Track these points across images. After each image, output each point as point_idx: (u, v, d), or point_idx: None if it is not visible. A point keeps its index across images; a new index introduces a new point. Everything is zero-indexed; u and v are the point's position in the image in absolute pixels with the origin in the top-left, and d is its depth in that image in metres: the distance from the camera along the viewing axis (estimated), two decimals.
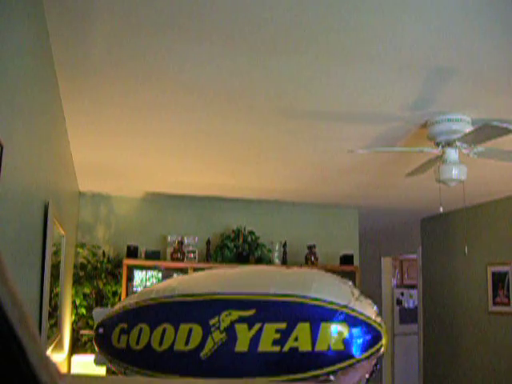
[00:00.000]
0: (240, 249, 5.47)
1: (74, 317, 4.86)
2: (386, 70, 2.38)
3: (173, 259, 5.21)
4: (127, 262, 4.99)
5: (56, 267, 3.02)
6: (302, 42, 2.12)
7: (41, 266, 2.37)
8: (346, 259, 5.76)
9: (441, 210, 3.59)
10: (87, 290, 4.92)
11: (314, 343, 2.08)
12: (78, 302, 4.86)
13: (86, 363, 4.49)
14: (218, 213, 5.76)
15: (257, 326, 2.09)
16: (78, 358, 4.55)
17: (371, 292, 7.45)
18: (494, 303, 5.25)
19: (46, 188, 2.46)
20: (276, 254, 5.55)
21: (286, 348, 2.06)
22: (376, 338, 2.16)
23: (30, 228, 2.06)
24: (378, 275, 7.73)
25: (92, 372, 4.40)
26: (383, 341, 2.18)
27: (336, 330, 2.12)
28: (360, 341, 2.13)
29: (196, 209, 5.70)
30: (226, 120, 3.13)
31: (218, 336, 2.16)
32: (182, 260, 5.22)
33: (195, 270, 5.15)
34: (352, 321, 2.14)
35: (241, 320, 2.13)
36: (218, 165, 4.27)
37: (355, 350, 2.13)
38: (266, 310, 2.16)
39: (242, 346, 2.11)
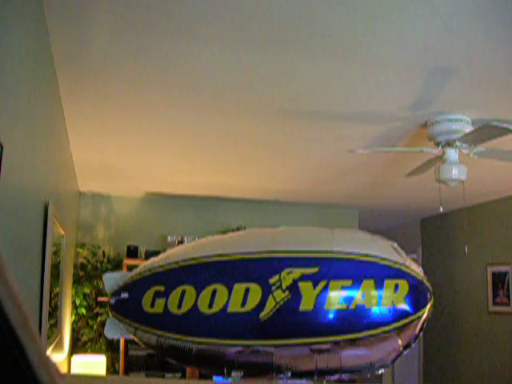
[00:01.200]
0: None
1: (73, 317, 4.86)
2: (386, 70, 2.38)
3: None
4: (127, 262, 4.99)
5: (56, 267, 3.02)
6: (302, 41, 2.12)
7: (41, 266, 2.37)
8: None
9: (441, 210, 3.59)
10: (87, 290, 4.92)
11: (379, 300, 2.09)
12: (78, 302, 4.86)
13: (86, 363, 4.50)
14: (218, 213, 5.76)
15: (322, 284, 2.04)
16: (78, 358, 4.55)
17: None
18: (494, 303, 5.25)
19: (46, 188, 2.46)
20: None
21: (352, 305, 2.05)
22: (429, 296, 2.23)
23: (30, 228, 2.06)
24: None
25: (92, 372, 4.40)
26: (432, 301, 2.24)
27: (398, 287, 2.13)
28: (418, 298, 2.18)
29: (196, 209, 5.70)
30: (227, 120, 3.13)
31: (279, 295, 2.04)
32: None
33: None
34: (410, 279, 2.18)
35: (304, 278, 2.04)
36: (218, 165, 4.27)
37: (414, 308, 2.16)
38: (329, 267, 2.10)
39: (306, 304, 2.03)
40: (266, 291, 2.06)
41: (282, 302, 2.04)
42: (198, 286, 2.14)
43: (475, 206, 5.58)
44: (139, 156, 4.01)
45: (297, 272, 2.06)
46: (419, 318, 2.16)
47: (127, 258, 5.05)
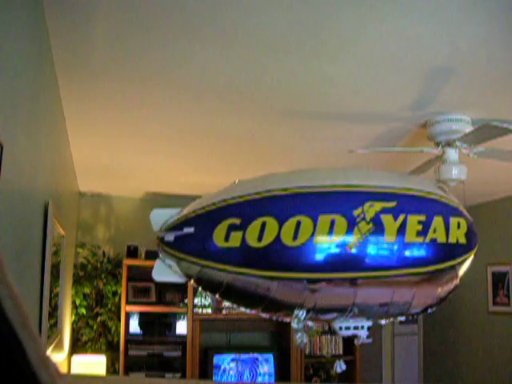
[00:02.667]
0: None
1: (73, 317, 4.86)
2: (386, 70, 2.38)
3: None
4: (127, 262, 4.99)
5: (56, 267, 3.02)
6: (302, 42, 2.12)
7: (41, 265, 2.37)
8: None
9: None
10: (87, 290, 4.92)
11: (447, 235, 2.19)
12: (78, 302, 4.86)
13: (86, 363, 4.50)
14: None
15: (401, 217, 2.09)
16: (78, 358, 4.55)
17: None
18: (494, 303, 5.25)
19: (46, 188, 2.46)
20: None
21: (427, 239, 2.13)
22: (478, 238, 2.40)
23: (30, 228, 2.06)
24: None
25: (92, 372, 4.40)
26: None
27: (460, 224, 2.25)
28: (472, 237, 2.33)
29: None
30: (227, 120, 3.14)
31: (364, 227, 2.04)
32: None
33: None
34: (467, 218, 2.33)
35: (385, 211, 2.08)
36: (218, 165, 4.27)
37: (470, 246, 2.30)
38: (405, 202, 2.16)
39: (389, 236, 2.07)
40: (351, 223, 2.05)
41: (367, 234, 2.06)
42: (279, 217, 2.03)
43: (475, 206, 5.58)
44: (139, 156, 4.02)
45: (377, 205, 2.09)
46: (473, 255, 2.33)
47: (127, 258, 5.04)
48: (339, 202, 2.12)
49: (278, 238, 2.02)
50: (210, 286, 2.23)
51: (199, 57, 2.28)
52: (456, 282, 2.35)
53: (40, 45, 1.98)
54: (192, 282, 2.26)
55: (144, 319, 5.08)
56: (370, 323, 2.27)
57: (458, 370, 5.78)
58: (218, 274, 2.11)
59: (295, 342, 2.22)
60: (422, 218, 2.13)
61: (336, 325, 2.26)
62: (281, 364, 5.31)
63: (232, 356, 5.22)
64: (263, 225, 2.04)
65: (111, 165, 4.29)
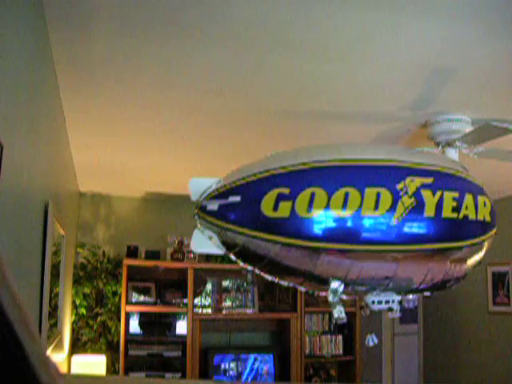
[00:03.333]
0: None
1: (73, 317, 4.86)
2: (386, 70, 2.38)
3: (173, 259, 5.21)
4: (127, 262, 4.99)
5: (56, 267, 3.02)
6: (301, 40, 2.12)
7: (41, 265, 2.37)
8: None
9: None
10: (87, 290, 4.92)
11: (476, 213, 2.26)
12: (78, 302, 4.86)
13: (86, 363, 4.50)
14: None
15: (439, 193, 2.15)
16: (78, 358, 4.55)
17: None
18: (494, 303, 5.25)
19: (46, 188, 2.46)
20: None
21: (461, 215, 2.20)
22: (497, 218, 2.52)
23: (30, 228, 2.06)
24: None
25: (92, 372, 4.41)
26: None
27: (486, 203, 2.35)
28: (495, 216, 2.45)
29: None
30: (227, 120, 3.14)
31: (407, 201, 2.08)
32: (182, 260, 5.22)
33: (195, 269, 5.16)
34: (490, 198, 2.43)
35: (424, 186, 2.13)
36: (218, 165, 4.27)
37: (493, 224, 2.42)
38: (442, 179, 2.22)
39: (429, 211, 2.12)
40: (396, 196, 2.08)
41: (410, 208, 2.09)
42: (328, 189, 2.03)
43: None
44: (139, 156, 4.02)
45: (417, 180, 2.13)
46: (495, 234, 2.44)
47: (127, 258, 5.05)
48: (383, 176, 2.14)
49: (327, 209, 2.03)
50: (253, 258, 2.19)
51: (199, 57, 2.28)
52: (482, 255, 2.43)
53: (40, 45, 1.98)
54: (231, 254, 2.20)
55: (144, 319, 5.08)
56: (399, 298, 2.31)
57: (457, 369, 5.78)
58: (264, 244, 2.08)
59: (334, 317, 2.23)
60: (456, 195, 2.20)
61: (368, 299, 2.29)
62: (281, 364, 5.31)
63: (232, 356, 5.22)
64: (312, 195, 2.03)
65: (111, 165, 4.29)
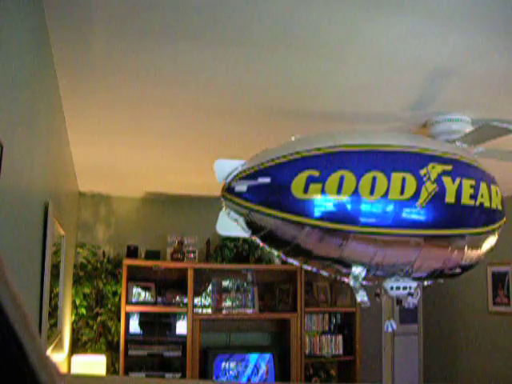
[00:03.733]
0: (240, 249, 5.47)
1: (73, 317, 4.86)
2: (386, 70, 2.38)
3: (173, 259, 5.21)
4: (127, 262, 4.99)
5: (56, 267, 3.02)
6: (301, 40, 2.12)
7: (41, 265, 2.37)
8: None
9: None
10: (87, 290, 4.93)
11: (490, 201, 2.33)
12: (78, 302, 4.86)
13: (86, 363, 4.50)
14: (218, 213, 5.74)
15: (458, 180, 2.20)
16: (78, 358, 4.55)
17: (371, 292, 7.45)
18: (494, 303, 5.25)
19: (46, 188, 2.46)
20: (276, 254, 5.55)
21: (477, 202, 2.26)
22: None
23: (30, 228, 2.06)
24: None
25: (92, 372, 4.41)
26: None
27: (498, 192, 2.43)
28: (504, 204, 2.51)
29: (196, 209, 5.69)
30: (227, 120, 3.14)
31: (430, 186, 2.13)
32: (182, 260, 5.23)
33: (195, 270, 5.16)
34: (499, 187, 2.50)
35: (445, 173, 2.18)
36: None
37: (504, 212, 2.48)
38: (459, 167, 2.27)
39: (450, 197, 2.17)
40: (420, 181, 2.12)
41: (432, 193, 2.14)
42: (356, 172, 2.06)
43: None
44: (139, 156, 4.02)
45: (438, 167, 2.18)
46: (505, 223, 2.51)
47: (127, 258, 5.05)
48: (408, 161, 2.18)
49: (356, 192, 2.04)
50: (279, 241, 2.18)
51: (199, 56, 2.28)
52: (495, 242, 2.50)
53: (40, 44, 1.98)
54: (257, 237, 2.19)
55: (144, 319, 5.08)
56: (416, 284, 2.34)
57: (458, 369, 5.78)
58: (292, 227, 2.08)
59: (358, 302, 2.28)
60: (473, 183, 2.25)
61: (387, 285, 2.32)
62: (281, 364, 5.31)
63: (232, 356, 5.22)
64: (341, 178, 2.04)
65: (111, 165, 4.29)
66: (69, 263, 4.24)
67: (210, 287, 5.37)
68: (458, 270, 2.40)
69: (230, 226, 2.21)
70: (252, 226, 2.16)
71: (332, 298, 5.74)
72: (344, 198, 2.04)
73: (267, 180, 2.06)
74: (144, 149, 3.81)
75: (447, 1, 1.81)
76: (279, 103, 2.84)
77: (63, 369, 4.15)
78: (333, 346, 5.57)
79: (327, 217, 2.06)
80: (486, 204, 2.30)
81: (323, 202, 2.05)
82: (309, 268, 2.35)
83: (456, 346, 5.85)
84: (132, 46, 2.19)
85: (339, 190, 2.03)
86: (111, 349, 4.95)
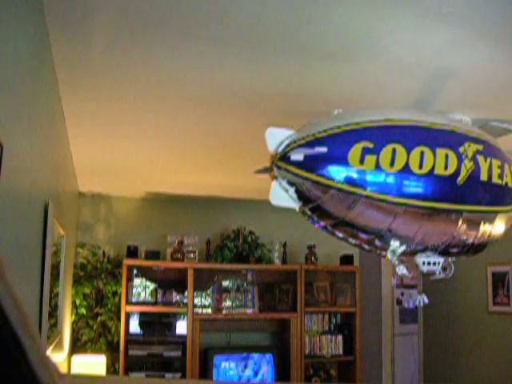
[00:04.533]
0: (240, 249, 5.47)
1: (73, 317, 4.87)
2: (386, 70, 2.38)
3: (173, 259, 5.21)
4: (127, 262, 4.99)
5: (56, 267, 3.02)
6: (301, 41, 2.12)
7: (41, 266, 2.37)
8: (346, 259, 5.76)
9: None
10: (87, 290, 4.93)
11: None
12: (78, 302, 4.86)
13: (86, 363, 4.50)
14: (218, 213, 5.76)
15: (489, 160, 2.27)
16: (78, 358, 4.55)
17: (371, 292, 7.46)
18: (494, 303, 5.26)
19: (46, 188, 2.46)
20: (276, 254, 5.56)
21: (503, 182, 2.33)
22: None
23: (30, 228, 2.06)
24: (378, 275, 7.73)
25: (92, 372, 4.40)
26: None
27: None
28: None
29: (196, 209, 5.70)
30: (227, 120, 3.14)
31: (468, 164, 2.20)
32: (182, 260, 5.23)
33: (195, 270, 5.16)
34: None
35: (478, 152, 2.25)
36: (218, 165, 4.27)
37: None
38: (489, 147, 2.34)
39: (484, 175, 2.24)
40: (460, 158, 2.18)
41: (470, 171, 2.20)
42: (407, 146, 2.10)
43: None
44: (139, 156, 4.02)
45: (473, 146, 2.25)
46: None
47: (127, 258, 5.05)
48: (449, 139, 2.24)
49: (407, 166, 2.09)
50: (331, 214, 2.19)
51: (199, 57, 2.28)
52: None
53: (40, 45, 1.98)
54: (306, 208, 2.18)
55: (144, 319, 5.08)
56: (443, 259, 2.42)
57: (457, 369, 5.78)
58: (347, 198, 2.09)
59: (398, 274, 2.33)
60: (499, 163, 2.32)
61: (419, 259, 2.37)
62: (281, 364, 5.31)
63: (232, 356, 5.22)
64: (393, 151, 2.08)
65: (111, 165, 4.29)
66: (69, 263, 4.24)
67: (211, 287, 5.37)
68: (480, 247, 2.48)
69: (282, 196, 2.20)
70: (302, 196, 2.15)
71: (332, 298, 5.74)
72: (396, 170, 2.08)
73: (324, 149, 2.05)
74: (144, 149, 3.81)
75: (449, 2, 1.81)
76: (280, 104, 2.84)
77: (63, 369, 4.15)
78: (333, 346, 5.57)
79: (381, 189, 2.09)
80: (510, 184, 2.38)
81: (378, 174, 2.08)
82: (353, 242, 2.36)
83: (456, 346, 5.85)
84: (132, 47, 2.19)
85: (392, 163, 2.07)
86: (111, 349, 4.95)
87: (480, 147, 2.27)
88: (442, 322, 6.12)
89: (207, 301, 5.32)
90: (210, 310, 5.28)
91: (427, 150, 2.12)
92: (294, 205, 2.18)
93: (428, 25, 1.97)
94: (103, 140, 3.59)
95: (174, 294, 5.19)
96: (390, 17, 1.92)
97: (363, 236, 2.31)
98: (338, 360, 5.65)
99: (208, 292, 5.35)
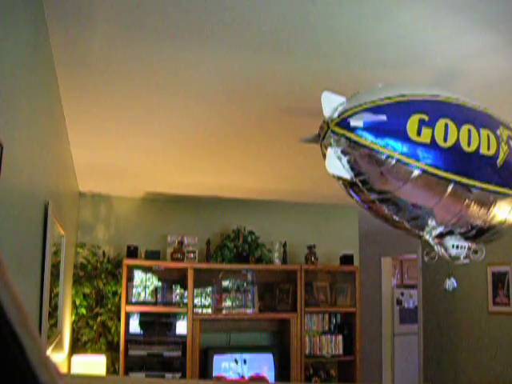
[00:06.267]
0: (240, 249, 5.47)
1: (73, 317, 4.86)
2: (386, 70, 2.38)
3: (173, 259, 5.21)
4: (127, 262, 4.99)
5: (56, 267, 3.03)
6: (303, 39, 2.12)
7: (41, 265, 2.37)
8: (346, 259, 5.76)
9: None
10: (87, 290, 4.93)
11: None
12: (78, 302, 4.86)
13: (86, 363, 4.50)
14: (218, 213, 5.76)
15: None
16: (78, 358, 4.55)
17: (371, 292, 7.46)
18: (494, 303, 5.26)
19: (46, 188, 2.46)
20: (276, 254, 5.56)
21: None
22: None
23: (30, 228, 2.06)
24: (378, 275, 7.74)
25: (92, 372, 4.40)
26: None
27: None
28: None
29: (196, 209, 5.70)
30: (226, 120, 3.14)
31: (505, 146, 2.22)
32: (182, 260, 5.23)
33: (195, 270, 5.16)
34: None
35: (510, 137, 2.28)
36: (218, 165, 4.27)
37: None
38: None
39: None
40: (498, 140, 2.19)
41: (506, 154, 2.23)
42: (456, 122, 2.09)
43: None
44: (139, 156, 4.02)
45: (506, 130, 2.27)
46: None
47: (127, 258, 5.05)
48: (489, 120, 2.24)
49: (457, 142, 2.08)
50: (383, 187, 2.14)
51: (199, 57, 2.28)
52: None
53: (40, 44, 1.98)
54: (357, 180, 2.12)
55: (144, 319, 5.08)
56: (469, 244, 2.41)
57: (457, 369, 5.78)
58: (401, 170, 2.05)
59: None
60: None
61: (448, 242, 2.35)
62: (281, 364, 5.31)
63: (232, 356, 5.22)
64: (446, 126, 2.06)
65: (111, 165, 4.29)
66: (69, 263, 4.24)
67: (210, 288, 5.37)
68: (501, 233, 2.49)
69: (337, 164, 2.10)
70: (356, 167, 2.08)
71: (332, 298, 5.74)
72: (450, 145, 2.07)
73: (384, 117, 2.00)
74: (144, 149, 3.81)
75: (450, 2, 1.81)
76: (279, 103, 2.83)
77: (63, 369, 4.15)
78: (333, 345, 5.57)
79: (435, 163, 2.06)
80: None
81: (433, 148, 2.05)
82: (397, 219, 2.29)
83: (456, 346, 5.85)
84: (132, 47, 2.19)
85: (445, 138, 2.05)
86: (111, 349, 4.95)
87: (510, 133, 2.30)
88: (442, 322, 6.12)
89: (207, 301, 5.32)
90: (210, 310, 5.27)
91: (473, 129, 2.11)
92: (347, 175, 2.11)
93: (429, 24, 1.97)
94: (103, 140, 3.59)
95: (174, 294, 5.19)
96: (391, 18, 1.92)
97: (407, 214, 2.26)
98: (337, 360, 5.65)
99: (208, 292, 5.35)
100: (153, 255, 5.16)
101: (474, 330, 5.55)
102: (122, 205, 5.54)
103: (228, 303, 5.37)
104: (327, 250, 5.88)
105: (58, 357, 3.50)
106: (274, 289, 5.61)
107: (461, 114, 2.14)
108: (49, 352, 2.77)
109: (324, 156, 2.11)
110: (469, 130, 2.10)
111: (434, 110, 2.08)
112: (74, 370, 4.43)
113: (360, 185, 2.12)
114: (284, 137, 3.45)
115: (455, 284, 2.48)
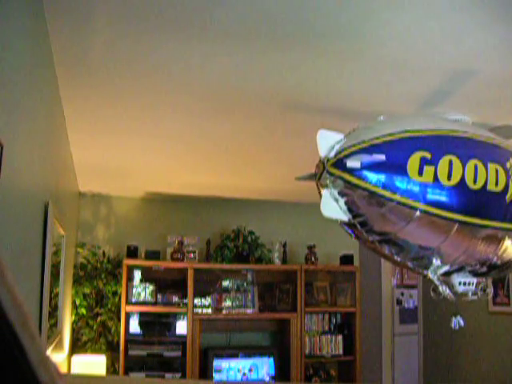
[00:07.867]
0: (240, 249, 5.47)
1: (73, 317, 4.86)
2: (387, 71, 2.38)
3: (173, 259, 5.21)
4: (127, 262, 4.99)
5: (56, 267, 3.02)
6: (304, 40, 2.12)
7: (41, 265, 2.37)
8: (346, 259, 5.76)
9: None
10: (87, 290, 4.92)
11: None
12: (78, 302, 4.86)
13: (86, 363, 4.50)
14: (218, 213, 5.76)
15: None
16: (78, 358, 4.55)
17: (371, 292, 7.46)
18: (494, 303, 5.25)
19: (46, 188, 2.46)
20: (276, 254, 5.56)
21: None
22: None
23: (30, 228, 2.06)
24: (378, 275, 7.73)
25: (92, 372, 4.40)
26: None
27: None
28: None
29: (196, 209, 5.70)
30: (226, 120, 3.14)
31: None
32: (182, 260, 5.23)
33: (195, 270, 5.16)
34: None
35: None
36: (217, 165, 4.27)
37: None
38: None
39: None
40: (508, 174, 2.08)
41: None
42: (461, 158, 1.96)
43: None
44: (139, 156, 4.02)
45: None
46: None
47: (127, 258, 5.05)
48: (497, 154, 2.13)
49: (463, 179, 1.96)
50: (383, 228, 2.03)
51: (199, 57, 2.28)
52: None
53: (40, 44, 1.98)
54: (356, 221, 2.00)
55: (144, 319, 5.08)
56: (477, 280, 2.30)
57: (458, 370, 5.78)
58: (403, 211, 1.93)
59: (442, 295, 2.21)
60: None
61: (455, 280, 2.23)
62: (281, 364, 5.31)
63: (232, 356, 5.22)
64: (450, 163, 1.94)
65: (111, 165, 4.29)
66: (69, 263, 4.24)
67: (210, 288, 5.37)
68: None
69: (333, 206, 1.98)
70: (353, 208, 1.96)
71: (332, 298, 5.74)
72: (453, 184, 1.95)
73: (382, 157, 1.88)
74: (144, 149, 3.81)
75: (452, 2, 1.81)
76: (280, 103, 2.83)
77: (63, 369, 4.15)
78: (333, 345, 5.57)
79: (438, 204, 1.94)
80: None
81: (437, 187, 1.93)
82: (398, 260, 2.18)
83: (456, 346, 5.85)
84: (133, 48, 2.19)
85: (449, 176, 1.93)
86: (111, 349, 4.95)
87: None
88: (442, 322, 6.12)
89: (207, 301, 5.32)
90: (209, 310, 5.27)
91: (480, 164, 1.99)
92: (344, 217, 1.99)
93: (430, 24, 1.97)
94: (103, 140, 3.59)
95: (174, 294, 5.18)
96: (393, 18, 1.92)
97: (410, 254, 2.14)
98: (337, 360, 5.65)
99: (208, 292, 5.35)
100: (153, 255, 5.16)
101: (474, 330, 5.55)
102: (122, 205, 5.54)
103: (228, 303, 5.37)
104: (327, 250, 5.88)
105: (58, 357, 3.50)
106: (273, 289, 5.61)
107: (467, 149, 2.02)
108: (49, 352, 2.77)
109: (320, 196, 2.00)
110: (475, 166, 1.98)
111: (438, 146, 1.97)
112: (74, 370, 4.43)
113: (359, 226, 2.01)
114: (284, 136, 3.45)
115: (462, 323, 2.31)
